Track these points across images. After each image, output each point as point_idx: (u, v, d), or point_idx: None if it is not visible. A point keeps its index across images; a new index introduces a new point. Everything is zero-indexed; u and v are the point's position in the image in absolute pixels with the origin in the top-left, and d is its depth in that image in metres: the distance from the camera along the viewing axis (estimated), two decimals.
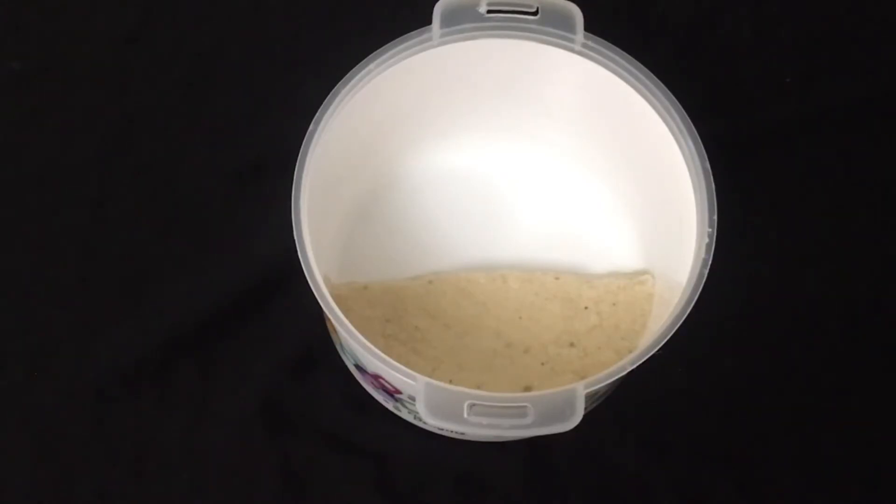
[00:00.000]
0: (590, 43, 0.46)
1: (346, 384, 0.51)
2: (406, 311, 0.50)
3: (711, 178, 0.44)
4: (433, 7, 0.46)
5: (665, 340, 0.41)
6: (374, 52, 0.46)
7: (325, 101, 0.45)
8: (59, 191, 0.56)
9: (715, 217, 0.44)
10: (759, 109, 0.58)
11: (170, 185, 0.56)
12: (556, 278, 0.52)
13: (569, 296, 0.51)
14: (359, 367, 0.48)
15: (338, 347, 0.51)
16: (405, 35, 0.46)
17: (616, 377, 0.41)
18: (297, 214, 0.43)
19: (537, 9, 0.46)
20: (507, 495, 0.50)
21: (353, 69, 0.46)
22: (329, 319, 0.45)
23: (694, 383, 0.52)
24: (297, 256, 0.42)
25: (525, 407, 0.39)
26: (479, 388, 0.48)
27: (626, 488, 0.51)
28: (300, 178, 0.43)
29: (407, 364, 0.41)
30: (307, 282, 0.42)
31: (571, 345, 0.50)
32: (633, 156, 0.51)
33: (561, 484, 0.51)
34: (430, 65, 0.47)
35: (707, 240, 0.43)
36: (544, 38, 0.47)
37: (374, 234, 0.53)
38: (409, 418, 0.49)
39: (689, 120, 0.45)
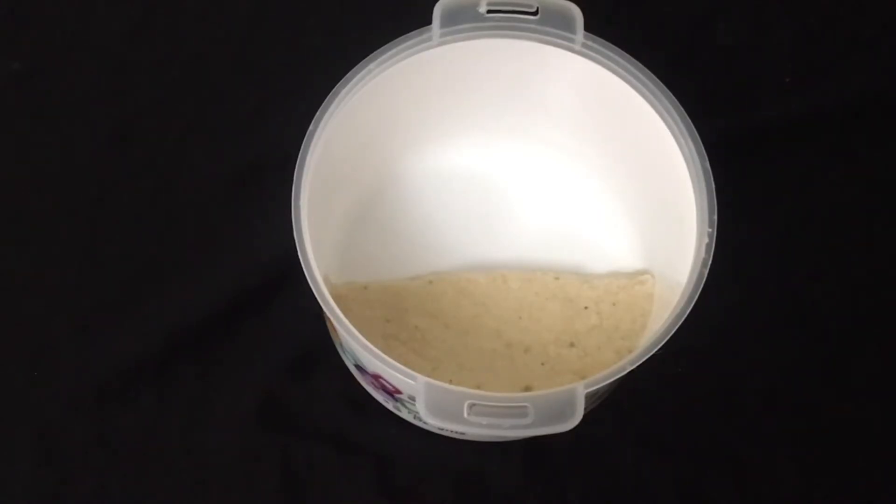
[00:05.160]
0: (590, 43, 0.46)
1: (346, 384, 0.51)
2: (406, 311, 0.50)
3: (711, 178, 0.44)
4: (433, 7, 0.46)
5: (665, 340, 0.41)
6: (374, 52, 0.46)
7: (325, 101, 0.45)
8: (59, 191, 0.56)
9: (715, 217, 0.44)
10: (759, 109, 0.58)
11: (170, 186, 0.56)
12: (556, 278, 0.52)
13: (569, 296, 0.51)
14: (359, 367, 0.48)
15: (338, 347, 0.51)
16: (405, 35, 0.46)
17: (616, 377, 0.41)
18: (297, 214, 0.43)
19: (537, 9, 0.46)
20: (507, 495, 0.50)
21: (353, 69, 0.46)
22: (329, 319, 0.45)
23: (694, 383, 0.52)
24: (297, 256, 0.42)
25: (525, 407, 0.39)
26: (479, 388, 0.48)
27: (626, 488, 0.51)
28: (300, 178, 0.43)
29: (407, 364, 0.41)
30: (307, 282, 0.42)
31: (571, 345, 0.50)
32: (633, 156, 0.51)
33: (561, 484, 0.51)
34: (430, 65, 0.47)
35: (707, 240, 0.43)
36: (544, 38, 0.47)
37: (374, 234, 0.53)
38: (409, 418, 0.49)
39: (689, 120, 0.45)
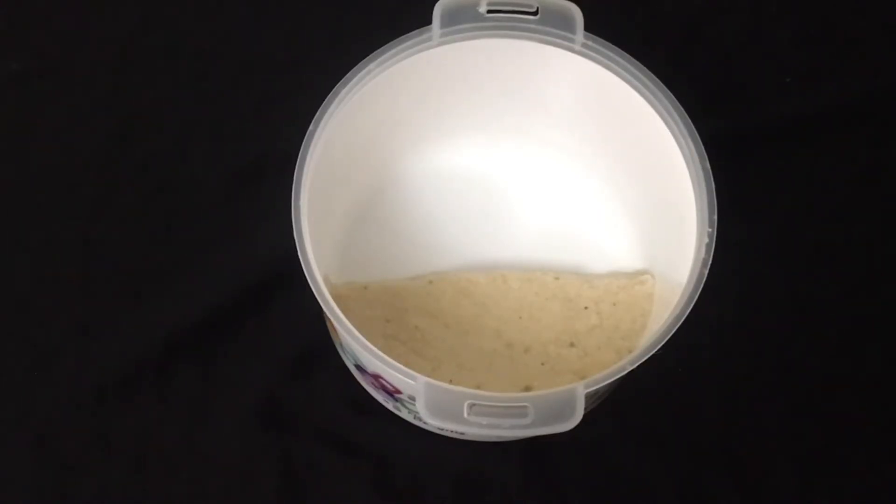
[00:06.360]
0: (590, 43, 0.46)
1: (346, 384, 0.51)
2: (406, 311, 0.50)
3: (711, 178, 0.44)
4: (433, 7, 0.46)
5: (665, 340, 0.41)
6: (374, 52, 0.46)
7: (325, 101, 0.45)
8: (59, 191, 0.56)
9: (715, 217, 0.44)
10: (759, 109, 0.58)
11: (170, 185, 0.56)
12: (556, 278, 0.52)
13: (569, 296, 0.51)
14: (359, 367, 0.48)
15: (338, 347, 0.51)
16: (405, 35, 0.46)
17: (616, 377, 0.41)
18: (297, 214, 0.43)
19: (537, 9, 0.46)
20: (507, 495, 0.50)
21: (353, 69, 0.46)
22: (329, 319, 0.45)
23: (694, 383, 0.52)
24: (297, 256, 0.42)
25: (525, 407, 0.39)
26: (479, 388, 0.48)
27: (626, 488, 0.51)
28: (300, 178, 0.44)
29: (407, 364, 0.41)
30: (307, 282, 0.42)
31: (571, 345, 0.50)
32: (634, 156, 0.51)
33: (561, 484, 0.51)
34: (430, 65, 0.47)
35: (707, 240, 0.43)
36: (544, 38, 0.47)
37: (374, 234, 0.53)
38: (409, 418, 0.49)
39: (689, 120, 0.45)
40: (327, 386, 0.52)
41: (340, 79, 0.46)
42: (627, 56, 0.46)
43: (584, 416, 0.40)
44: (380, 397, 0.50)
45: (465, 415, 0.39)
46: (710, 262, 0.43)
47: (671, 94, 0.46)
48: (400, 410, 0.49)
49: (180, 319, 0.52)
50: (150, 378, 0.52)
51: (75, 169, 0.56)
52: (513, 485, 0.50)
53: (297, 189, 0.43)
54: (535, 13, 0.46)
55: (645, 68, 0.46)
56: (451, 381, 0.47)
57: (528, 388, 0.49)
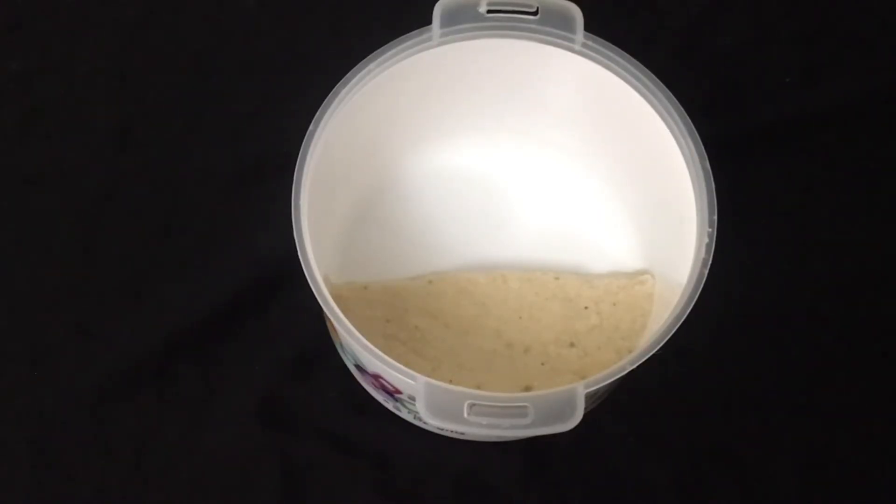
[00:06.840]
0: (590, 43, 0.46)
1: (346, 384, 0.51)
2: (406, 311, 0.50)
3: (711, 178, 0.44)
4: (433, 7, 0.46)
5: (665, 340, 0.41)
6: (374, 52, 0.46)
7: (325, 101, 0.45)
8: (59, 191, 0.56)
9: (715, 217, 0.44)
10: (759, 109, 0.58)
11: (170, 185, 0.56)
12: (556, 278, 0.52)
13: (569, 296, 0.51)
14: (359, 367, 0.48)
15: (338, 347, 0.51)
16: (405, 35, 0.46)
17: (616, 377, 0.41)
18: (297, 214, 0.43)
19: (537, 9, 0.46)
20: (507, 495, 0.50)
21: (353, 69, 0.46)
22: (329, 319, 0.45)
23: (694, 383, 0.52)
24: (297, 256, 0.42)
25: (525, 407, 0.39)
26: (479, 388, 0.48)
27: (626, 488, 0.51)
28: (300, 178, 0.44)
29: (407, 364, 0.41)
30: (307, 282, 0.42)
31: (571, 345, 0.50)
32: (634, 156, 0.51)
33: (561, 484, 0.51)
34: (430, 65, 0.47)
35: (707, 240, 0.43)
36: (544, 38, 0.47)
37: (374, 234, 0.53)
38: (409, 418, 0.49)
39: (689, 120, 0.45)
40: (327, 386, 0.52)
41: (340, 79, 0.46)
42: (627, 56, 0.46)
43: (584, 416, 0.40)
44: (380, 397, 0.50)
45: (465, 415, 0.39)
46: (710, 262, 0.43)
47: (671, 94, 0.46)
48: (400, 410, 0.49)
49: (180, 319, 0.52)
50: (150, 378, 0.52)
51: (75, 169, 0.56)
52: (513, 485, 0.50)
53: (297, 189, 0.43)
54: (535, 13, 0.46)
55: (645, 68, 0.46)
56: (451, 381, 0.47)
57: (528, 388, 0.49)
